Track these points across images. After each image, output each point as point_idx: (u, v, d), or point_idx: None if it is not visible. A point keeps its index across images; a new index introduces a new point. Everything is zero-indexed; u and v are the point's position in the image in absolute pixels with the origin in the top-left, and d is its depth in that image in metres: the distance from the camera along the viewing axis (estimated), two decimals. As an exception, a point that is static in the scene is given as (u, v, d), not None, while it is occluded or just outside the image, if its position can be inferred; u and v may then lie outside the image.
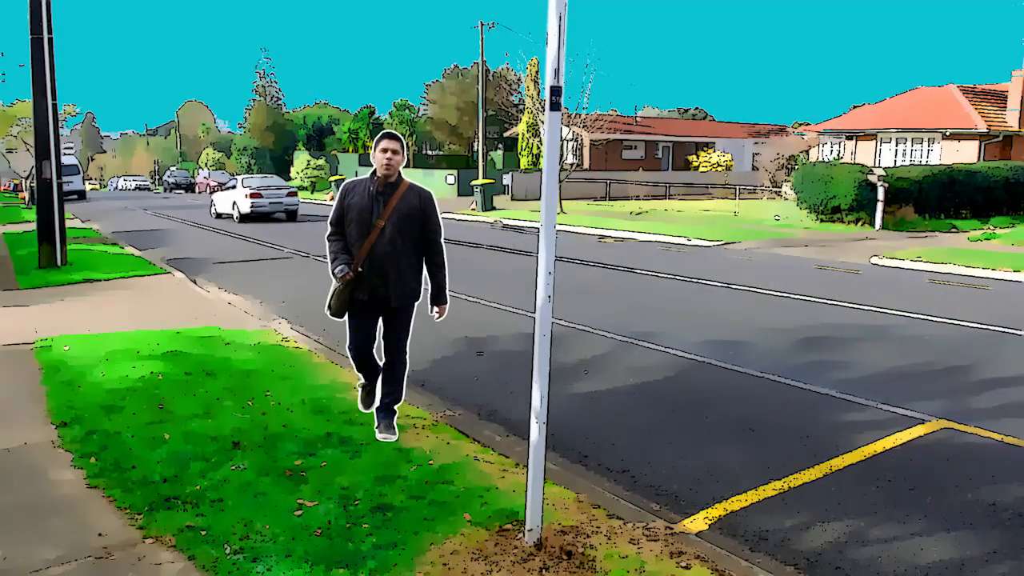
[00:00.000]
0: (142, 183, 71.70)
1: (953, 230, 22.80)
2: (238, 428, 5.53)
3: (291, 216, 27.26)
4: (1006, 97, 32.37)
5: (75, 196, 42.64)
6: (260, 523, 4.12)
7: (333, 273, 4.87)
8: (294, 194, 28.10)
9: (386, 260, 4.86)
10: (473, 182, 33.27)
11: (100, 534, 4.04)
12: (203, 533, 4.01)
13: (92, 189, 63.61)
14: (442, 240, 5.03)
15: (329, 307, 4.95)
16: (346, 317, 5.03)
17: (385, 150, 4.83)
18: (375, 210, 4.83)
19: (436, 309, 5.05)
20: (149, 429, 5.48)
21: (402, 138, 4.96)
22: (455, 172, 43.59)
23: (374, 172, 4.89)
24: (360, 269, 4.85)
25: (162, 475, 4.72)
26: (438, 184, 43.17)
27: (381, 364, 5.27)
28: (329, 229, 4.99)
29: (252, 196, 26.26)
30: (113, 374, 6.82)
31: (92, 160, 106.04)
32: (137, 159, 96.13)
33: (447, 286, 5.07)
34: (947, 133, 31.28)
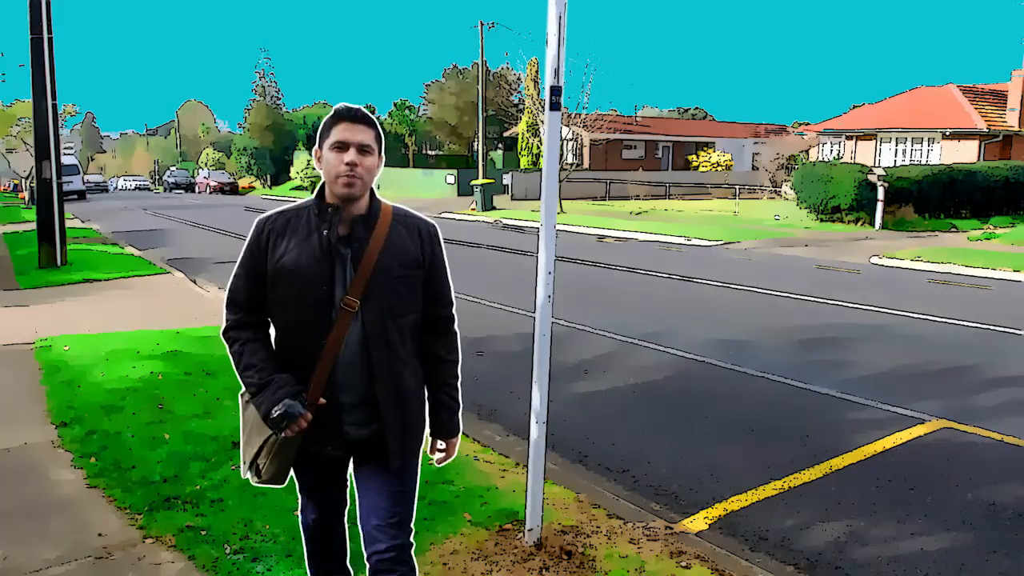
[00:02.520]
0: (142, 183, 71.71)
1: (953, 230, 22.80)
2: (238, 428, 5.51)
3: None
4: (1006, 97, 32.36)
5: (75, 196, 42.63)
6: (260, 523, 4.12)
7: (267, 418, 2.50)
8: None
9: (373, 375, 2.54)
10: (473, 182, 33.27)
11: (100, 534, 4.04)
12: (203, 533, 4.01)
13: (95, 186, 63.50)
14: (455, 311, 2.78)
15: (255, 469, 2.65)
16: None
17: (343, 145, 2.48)
18: (337, 275, 2.50)
19: (441, 445, 2.80)
20: (149, 429, 5.48)
21: (377, 124, 2.58)
22: (455, 172, 43.59)
23: (320, 194, 2.56)
24: (323, 401, 2.51)
25: (162, 475, 4.72)
26: (438, 184, 43.20)
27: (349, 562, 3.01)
28: (227, 318, 2.63)
29: None
30: (113, 374, 6.82)
31: (92, 160, 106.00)
32: (137, 159, 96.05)
33: (460, 398, 2.81)
34: (947, 133, 31.27)
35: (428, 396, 2.75)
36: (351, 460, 2.73)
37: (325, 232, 2.51)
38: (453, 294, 2.78)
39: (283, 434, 2.53)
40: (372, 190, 2.59)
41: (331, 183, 2.52)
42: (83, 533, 4.05)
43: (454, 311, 2.78)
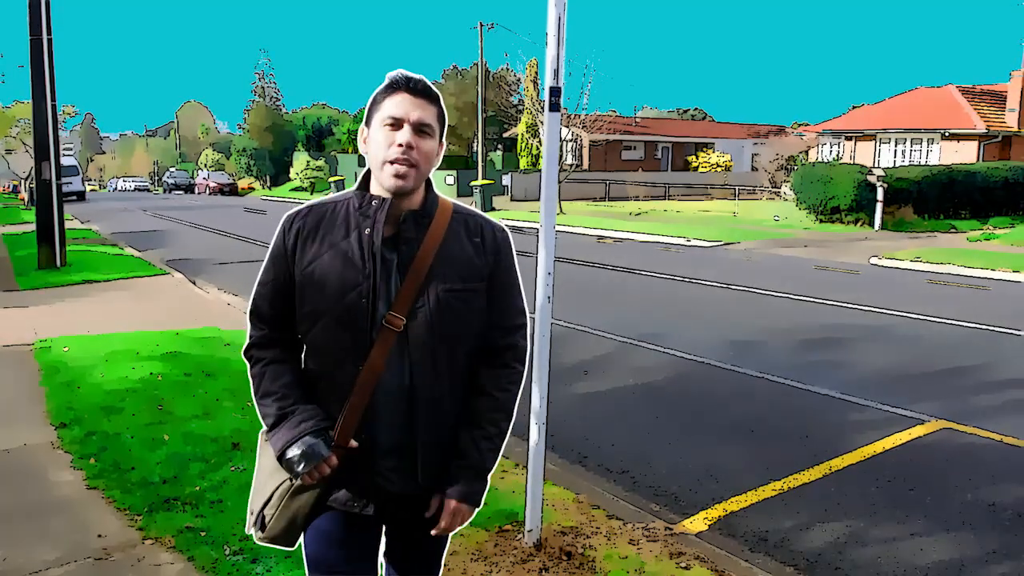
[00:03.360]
0: (141, 184, 71.70)
1: (952, 230, 22.81)
2: (238, 429, 5.52)
3: None
4: (1005, 97, 32.40)
5: (74, 197, 42.61)
6: (260, 524, 4.11)
7: (282, 458, 2.03)
8: None
9: (416, 412, 2.06)
10: (472, 183, 33.27)
11: (100, 535, 4.04)
12: (203, 534, 4.01)
13: (91, 190, 63.56)
14: (524, 340, 2.22)
15: (259, 522, 2.15)
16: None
17: (397, 122, 2.01)
18: (380, 284, 2.02)
19: (450, 506, 2.11)
20: (148, 430, 5.48)
21: (440, 100, 2.10)
22: (454, 173, 43.58)
23: (364, 184, 2.11)
24: (354, 444, 2.03)
25: (161, 476, 4.72)
26: (438, 184, 42.27)
27: None
28: (250, 333, 2.16)
29: None
30: (113, 375, 6.82)
31: (91, 161, 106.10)
32: (136, 160, 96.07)
33: (493, 453, 2.17)
34: (946, 133, 31.30)
35: (464, 431, 2.13)
36: (383, 530, 2.20)
37: (367, 231, 2.02)
38: (527, 318, 2.22)
39: (298, 480, 2.03)
40: (429, 181, 2.12)
41: (378, 169, 2.03)
42: (83, 534, 4.05)
43: (523, 340, 2.19)
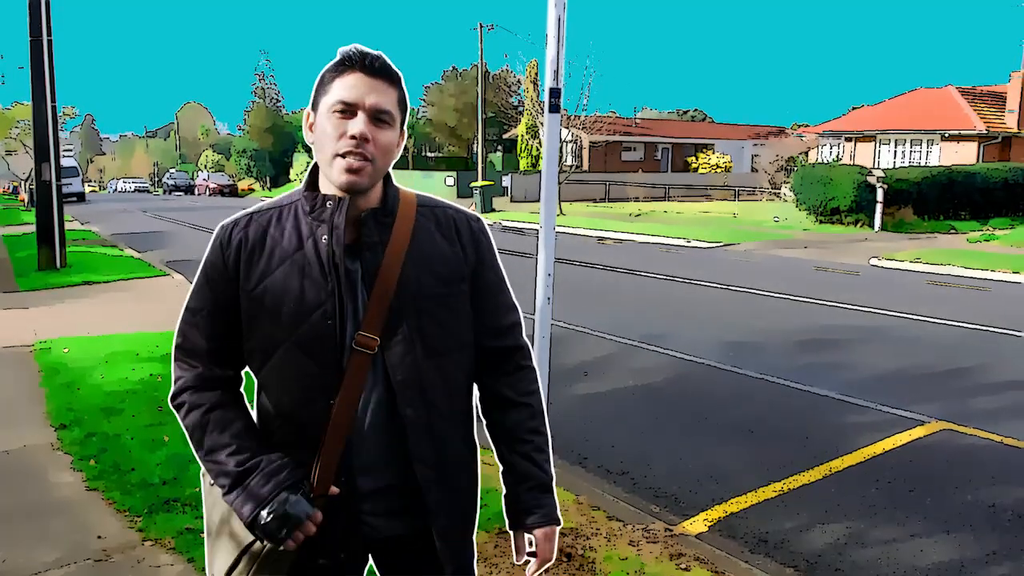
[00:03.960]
0: (141, 185, 71.71)
1: (952, 231, 22.81)
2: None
3: None
4: (1005, 98, 32.41)
5: (74, 198, 42.60)
6: (260, 525, 4.11)
7: (255, 525, 1.68)
8: None
9: (408, 445, 1.75)
10: (472, 184, 33.28)
11: (99, 536, 4.04)
12: (203, 535, 4.00)
13: (91, 191, 63.57)
14: (523, 336, 1.97)
15: None
16: None
17: (349, 108, 1.67)
18: (346, 300, 1.71)
19: (542, 534, 1.96)
20: (149, 431, 5.48)
21: (402, 81, 1.75)
22: (454, 174, 43.63)
23: (312, 182, 1.78)
24: (335, 490, 1.72)
25: (161, 477, 4.72)
26: (437, 186, 43.20)
27: None
28: (177, 376, 1.85)
29: None
30: (113, 376, 6.82)
31: (91, 162, 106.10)
32: (136, 161, 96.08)
33: (550, 463, 1.98)
34: (946, 134, 31.32)
35: (500, 461, 1.94)
36: (368, 567, 1.90)
37: (324, 238, 1.70)
38: (520, 313, 1.95)
39: (280, 546, 1.69)
40: (388, 175, 1.79)
41: (327, 164, 1.70)
42: (82, 535, 4.05)
43: (523, 337, 1.95)
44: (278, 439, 1.76)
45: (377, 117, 1.68)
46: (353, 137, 1.66)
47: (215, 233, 1.80)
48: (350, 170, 1.67)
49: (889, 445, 5.69)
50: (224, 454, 1.72)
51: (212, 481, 1.78)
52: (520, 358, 1.93)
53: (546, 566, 1.94)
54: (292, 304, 1.69)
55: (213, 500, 1.81)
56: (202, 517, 4.32)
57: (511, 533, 1.95)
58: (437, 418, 1.78)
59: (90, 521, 4.22)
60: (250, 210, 1.83)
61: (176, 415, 1.83)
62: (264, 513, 1.66)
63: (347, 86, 1.68)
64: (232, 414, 1.78)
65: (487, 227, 1.91)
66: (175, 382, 1.82)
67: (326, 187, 1.74)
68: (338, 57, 1.71)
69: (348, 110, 1.67)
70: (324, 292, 1.69)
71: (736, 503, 4.77)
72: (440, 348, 1.77)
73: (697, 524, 4.49)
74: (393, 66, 1.74)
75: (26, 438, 5.48)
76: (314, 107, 1.74)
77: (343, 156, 1.67)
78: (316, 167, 1.77)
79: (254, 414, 1.83)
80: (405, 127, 1.80)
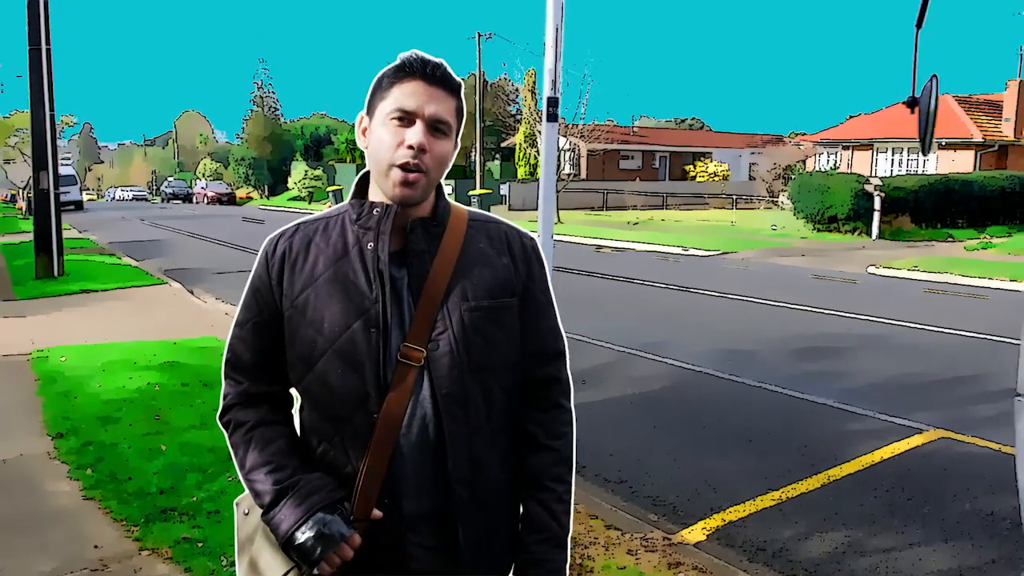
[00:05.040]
0: (139, 193, 71.75)
1: (949, 239, 22.87)
2: (235, 439, 5.51)
3: None
4: (1001, 107, 32.52)
5: (72, 207, 42.62)
6: (257, 534, 4.10)
7: (290, 545, 1.60)
8: None
9: (449, 467, 1.64)
10: (470, 192, 33.33)
11: (96, 546, 4.02)
12: (199, 545, 3.99)
13: (89, 200, 63.56)
14: (568, 371, 1.85)
15: None
16: None
17: (407, 116, 1.61)
18: (391, 310, 1.63)
19: None
20: (146, 440, 5.46)
21: (462, 90, 1.72)
22: (452, 182, 43.58)
23: (361, 191, 1.73)
24: (378, 514, 1.62)
25: (158, 486, 4.70)
26: (435, 194, 43.20)
27: None
28: (226, 392, 1.80)
29: None
30: (110, 385, 6.80)
31: (89, 170, 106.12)
32: (135, 169, 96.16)
33: (568, 516, 1.79)
34: (943, 143, 31.38)
35: (526, 498, 1.78)
36: None
37: (370, 245, 1.64)
38: (566, 344, 1.83)
39: (315, 570, 1.61)
40: (439, 186, 1.73)
41: (381, 174, 1.65)
42: (79, 545, 4.03)
43: (566, 371, 1.83)
44: (320, 456, 1.68)
45: (435, 127, 1.63)
46: (411, 147, 1.60)
47: (263, 245, 1.75)
48: (405, 182, 1.62)
49: (887, 453, 5.69)
50: (262, 472, 1.66)
51: (247, 509, 1.75)
52: (558, 394, 1.80)
53: None
54: (334, 312, 1.63)
55: (243, 529, 1.77)
56: (199, 527, 4.30)
57: None
58: (483, 439, 1.68)
59: (87, 530, 4.20)
60: (298, 221, 1.77)
61: (224, 434, 1.78)
62: (299, 533, 1.59)
63: (406, 93, 1.62)
64: (274, 432, 1.71)
65: (539, 248, 1.82)
66: (223, 399, 1.78)
67: (376, 194, 1.69)
68: (398, 62, 1.65)
69: (406, 118, 1.61)
70: (368, 300, 1.63)
71: (734, 511, 4.76)
72: (486, 363, 1.68)
73: (695, 533, 4.48)
74: (453, 75, 1.69)
75: (23, 447, 5.46)
76: (369, 112, 1.68)
77: (400, 167, 1.61)
78: (366, 175, 1.73)
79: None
80: (459, 136, 1.74)
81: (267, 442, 1.70)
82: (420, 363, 1.62)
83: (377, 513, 1.62)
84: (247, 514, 1.76)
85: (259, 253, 1.74)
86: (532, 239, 1.80)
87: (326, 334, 1.63)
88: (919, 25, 2.76)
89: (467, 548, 1.67)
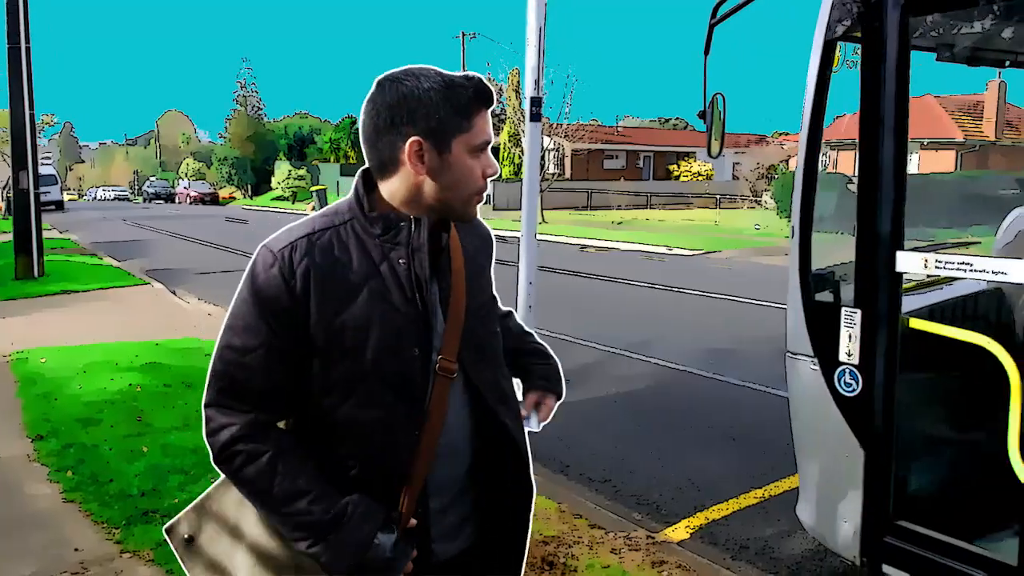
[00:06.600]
0: (121, 193, 71.25)
1: (932, 238, 23.07)
2: (218, 440, 5.47)
3: None
4: (982, 107, 32.83)
5: (53, 207, 42.28)
6: (240, 536, 4.07)
7: (349, 570, 1.59)
8: None
9: (510, 450, 1.80)
10: (454, 192, 33.20)
11: (77, 549, 3.98)
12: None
13: (70, 200, 63.01)
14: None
15: None
16: None
17: (485, 147, 1.71)
18: (432, 327, 1.67)
19: (552, 403, 2.09)
20: (127, 442, 5.42)
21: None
22: (437, 182, 43.58)
23: (366, 201, 1.68)
24: (413, 522, 1.67)
25: (140, 488, 4.67)
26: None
27: None
28: (226, 423, 1.65)
29: None
30: (90, 386, 6.75)
31: (70, 170, 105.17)
32: (116, 169, 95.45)
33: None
34: (925, 143, 31.65)
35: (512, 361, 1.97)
36: None
37: (403, 261, 1.62)
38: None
39: None
40: None
41: (461, 198, 1.67)
42: (59, 548, 4.00)
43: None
44: (356, 477, 1.64)
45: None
46: (494, 173, 1.70)
47: (262, 260, 1.62)
48: (478, 203, 1.72)
49: (869, 451, 5.72)
50: (304, 502, 1.59)
51: (188, 532, 1.73)
52: (532, 338, 2.13)
53: (547, 420, 2.02)
54: (377, 334, 1.60)
55: (212, 558, 1.71)
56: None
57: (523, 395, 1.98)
58: (517, 425, 1.82)
59: (67, 533, 4.16)
60: (301, 232, 1.64)
61: (222, 468, 1.67)
62: (370, 557, 1.58)
63: (486, 124, 1.68)
64: (298, 458, 1.63)
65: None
66: (221, 431, 1.64)
67: (395, 206, 1.66)
68: (475, 90, 1.64)
69: (485, 148, 1.68)
70: (407, 320, 1.63)
71: (718, 510, 4.78)
72: (500, 359, 1.83)
73: (679, 531, 4.50)
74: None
75: (2, 449, 5.40)
76: (437, 136, 1.61)
77: (480, 194, 1.70)
78: (367, 185, 1.68)
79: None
80: None
81: (298, 470, 1.61)
82: (455, 375, 1.67)
83: (413, 521, 1.66)
84: (190, 539, 1.73)
85: (260, 268, 1.61)
86: (487, 228, 1.93)
87: (370, 356, 1.60)
88: (706, 52, 3.39)
89: (522, 527, 1.84)
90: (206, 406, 1.67)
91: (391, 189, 1.65)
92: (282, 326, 1.60)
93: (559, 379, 2.05)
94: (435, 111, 1.59)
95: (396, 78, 1.62)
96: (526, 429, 1.89)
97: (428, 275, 1.64)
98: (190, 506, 1.80)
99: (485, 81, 1.66)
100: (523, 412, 1.93)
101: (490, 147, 1.69)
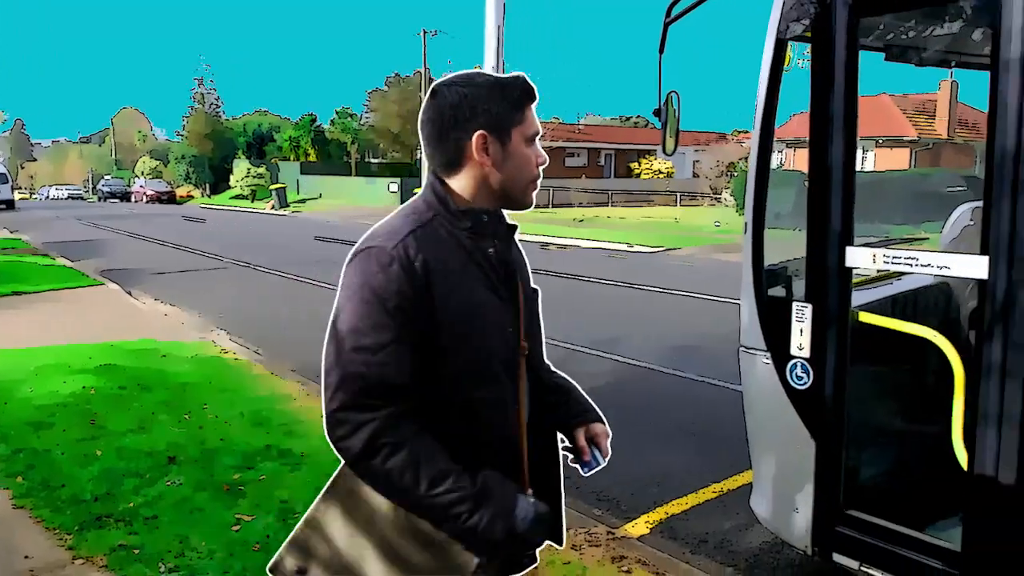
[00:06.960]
0: (75, 192, 69.79)
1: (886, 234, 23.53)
2: (174, 443, 5.40)
3: None
4: (935, 106, 33.53)
5: (3, 206, 41.40)
6: (196, 539, 4.03)
7: (513, 536, 1.73)
8: None
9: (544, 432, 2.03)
10: (416, 190, 32.57)
11: (27, 556, 3.90)
12: (136, 552, 3.90)
13: (21, 199, 61.58)
14: None
15: None
16: None
17: (535, 137, 1.86)
18: (517, 307, 1.89)
19: (600, 428, 2.20)
20: (80, 446, 5.32)
21: None
22: (398, 180, 43.41)
23: (446, 197, 1.82)
24: (530, 490, 1.87)
25: (93, 493, 4.58)
26: (380, 192, 42.95)
27: None
28: (372, 415, 1.66)
29: None
30: (42, 389, 6.61)
31: (22, 168, 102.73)
32: (70, 167, 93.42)
33: None
34: (880, 141, 32.25)
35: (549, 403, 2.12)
36: None
37: (491, 251, 1.81)
38: None
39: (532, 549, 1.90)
40: None
41: (518, 187, 1.84)
42: (8, 556, 3.91)
43: None
44: (474, 454, 1.75)
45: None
46: (545, 162, 1.88)
47: (377, 259, 1.70)
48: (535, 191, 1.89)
49: (825, 444, 5.81)
50: (451, 481, 1.69)
51: (298, 566, 1.80)
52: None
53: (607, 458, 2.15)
54: (489, 321, 1.79)
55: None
56: (135, 533, 4.20)
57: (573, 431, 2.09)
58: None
59: (16, 541, 4.08)
60: (404, 230, 1.74)
61: (363, 466, 1.70)
62: (520, 521, 1.72)
63: (535, 116, 1.85)
64: (429, 441, 1.72)
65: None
66: (360, 429, 1.66)
67: (470, 200, 1.81)
68: (523, 85, 1.83)
69: (535, 139, 1.85)
70: (503, 304, 1.83)
71: (677, 504, 4.83)
72: (540, 337, 2.04)
73: (639, 526, 4.54)
74: None
75: (-51, 455, 5.27)
76: (497, 129, 1.78)
77: (536, 181, 1.87)
78: (440, 181, 1.82)
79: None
80: None
81: (433, 453, 1.71)
82: (525, 354, 1.87)
83: (530, 491, 1.84)
84: (301, 571, 1.80)
85: (381, 269, 1.69)
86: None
87: (486, 340, 1.78)
88: (661, 51, 3.46)
89: (549, 492, 2.01)
90: (337, 410, 1.69)
91: (460, 184, 1.81)
92: (409, 319, 1.69)
93: (593, 406, 2.21)
94: (494, 106, 1.77)
95: (452, 83, 1.81)
96: (595, 468, 2.08)
97: (511, 261, 1.85)
98: (287, 542, 1.86)
99: (528, 79, 1.84)
100: (584, 454, 2.04)
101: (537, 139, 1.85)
